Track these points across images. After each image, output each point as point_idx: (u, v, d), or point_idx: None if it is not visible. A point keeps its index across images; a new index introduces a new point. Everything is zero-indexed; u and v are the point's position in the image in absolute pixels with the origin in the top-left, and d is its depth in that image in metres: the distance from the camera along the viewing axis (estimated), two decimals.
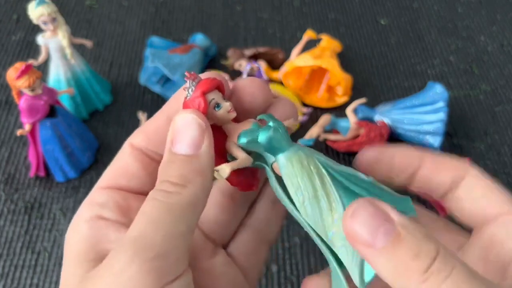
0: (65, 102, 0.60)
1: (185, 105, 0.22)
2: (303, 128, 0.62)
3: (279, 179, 0.22)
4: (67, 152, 0.55)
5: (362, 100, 0.61)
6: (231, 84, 0.24)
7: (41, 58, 0.58)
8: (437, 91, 0.59)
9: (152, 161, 0.23)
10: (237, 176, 0.22)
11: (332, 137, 0.60)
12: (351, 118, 0.59)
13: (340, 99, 0.65)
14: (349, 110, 0.60)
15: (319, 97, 0.66)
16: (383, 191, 0.22)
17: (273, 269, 0.50)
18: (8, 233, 0.52)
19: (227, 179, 0.22)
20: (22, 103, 0.51)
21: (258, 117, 0.22)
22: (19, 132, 0.52)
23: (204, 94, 0.22)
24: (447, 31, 0.77)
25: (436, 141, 0.57)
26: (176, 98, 0.23)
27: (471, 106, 0.66)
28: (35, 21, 0.54)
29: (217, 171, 0.21)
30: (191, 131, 0.20)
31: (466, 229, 0.25)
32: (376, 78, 0.70)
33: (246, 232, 0.26)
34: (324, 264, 0.50)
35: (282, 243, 0.52)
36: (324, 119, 0.60)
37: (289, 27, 0.77)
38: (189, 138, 0.20)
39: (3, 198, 0.55)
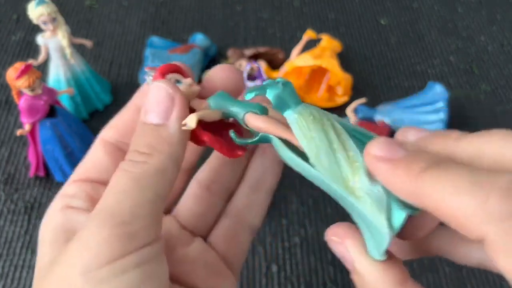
0: (65, 102, 0.60)
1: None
2: None
3: (284, 142, 0.22)
4: (67, 152, 0.55)
5: (362, 100, 0.61)
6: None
7: (41, 58, 0.57)
8: (437, 91, 0.59)
9: (122, 154, 0.23)
10: (216, 140, 0.22)
11: None
12: (351, 118, 0.59)
13: (340, 99, 0.65)
14: (349, 110, 0.60)
15: (319, 97, 0.66)
16: None
17: (273, 269, 0.50)
18: (8, 233, 0.52)
19: (209, 143, 0.21)
20: (22, 103, 0.50)
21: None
22: (19, 132, 0.52)
23: (163, 74, 0.22)
24: (447, 31, 0.77)
25: None
26: (143, 91, 0.23)
27: (471, 106, 0.66)
28: (35, 21, 0.54)
29: (185, 124, 0.21)
30: (161, 100, 0.20)
31: None
32: (376, 78, 0.70)
33: (225, 219, 0.26)
34: (324, 263, 0.50)
35: (282, 243, 0.52)
36: None
37: (289, 27, 0.77)
38: (159, 107, 0.20)
39: (3, 198, 0.55)
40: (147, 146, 0.20)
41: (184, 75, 0.23)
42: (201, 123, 0.21)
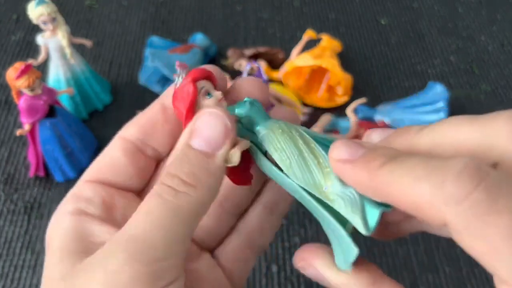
0: (65, 102, 0.60)
1: (175, 93, 0.22)
2: None
3: (267, 155, 0.22)
4: (66, 152, 0.55)
5: (362, 100, 0.61)
6: (229, 84, 0.24)
7: (41, 58, 0.57)
8: (437, 91, 0.59)
9: (142, 156, 0.22)
10: (232, 170, 0.22)
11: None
12: (351, 118, 0.59)
13: (340, 99, 0.65)
14: (349, 110, 0.60)
15: (319, 97, 0.65)
16: None
17: (273, 269, 0.50)
18: (8, 233, 0.52)
19: (226, 173, 0.21)
20: (21, 103, 0.50)
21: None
22: (18, 132, 0.52)
23: (194, 81, 0.21)
24: (447, 31, 0.77)
25: None
26: (171, 89, 0.22)
27: (472, 106, 0.66)
28: (34, 21, 0.54)
29: (227, 160, 0.20)
30: (215, 128, 0.19)
31: None
32: (376, 78, 0.70)
33: (236, 238, 0.25)
34: None
35: (282, 243, 0.52)
36: (324, 119, 0.60)
37: (289, 27, 0.77)
38: (211, 135, 0.19)
39: (3, 198, 0.55)
40: (192, 175, 0.18)
41: (215, 82, 0.22)
42: None
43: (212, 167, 0.19)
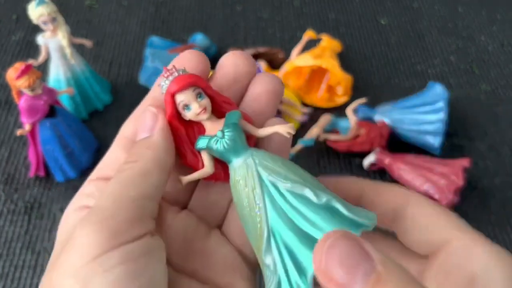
0: (65, 102, 0.60)
1: (164, 99, 0.23)
2: (303, 128, 0.62)
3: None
4: (67, 152, 0.55)
5: (362, 100, 0.61)
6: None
7: (41, 58, 0.57)
8: (437, 91, 0.59)
9: None
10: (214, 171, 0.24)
11: (332, 137, 0.60)
12: (351, 118, 0.59)
13: (340, 99, 0.65)
14: (349, 110, 0.60)
15: (319, 97, 0.65)
16: (338, 213, 0.20)
17: None
18: (8, 233, 0.52)
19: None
20: (22, 103, 0.50)
21: (227, 114, 0.23)
22: (19, 132, 0.52)
23: (173, 96, 0.23)
24: (447, 31, 0.77)
25: (436, 141, 0.57)
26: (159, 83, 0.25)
27: (472, 106, 0.66)
28: (35, 21, 0.54)
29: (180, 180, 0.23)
30: (147, 120, 0.23)
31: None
32: (376, 78, 0.70)
33: (235, 210, 0.25)
34: None
35: None
36: (324, 119, 0.60)
37: (289, 27, 0.77)
38: (146, 125, 0.23)
39: (3, 198, 0.55)
40: (133, 154, 0.22)
41: (203, 85, 0.23)
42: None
43: (149, 142, 0.22)
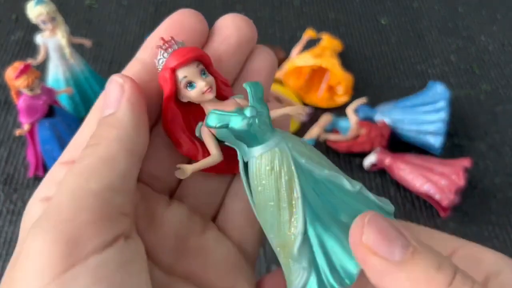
0: (64, 102, 0.60)
1: (159, 74, 0.20)
2: (303, 128, 0.61)
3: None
4: None
5: (363, 100, 0.61)
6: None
7: (40, 57, 0.57)
8: (437, 91, 0.59)
9: None
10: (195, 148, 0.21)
11: (332, 137, 0.59)
12: (351, 118, 0.59)
13: (341, 99, 0.65)
14: (349, 110, 0.60)
15: (319, 97, 0.65)
16: (369, 199, 0.20)
17: (273, 269, 0.50)
18: (8, 234, 0.52)
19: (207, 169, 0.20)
20: (21, 103, 0.50)
21: (244, 85, 0.20)
22: (18, 132, 0.52)
23: (173, 71, 0.19)
24: (447, 31, 0.77)
25: (437, 141, 0.57)
26: (150, 42, 0.21)
27: (472, 106, 0.66)
28: (34, 21, 0.54)
29: (179, 168, 0.19)
30: (113, 91, 0.19)
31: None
32: (376, 77, 0.69)
33: (234, 201, 0.23)
34: None
35: None
36: (325, 119, 0.60)
37: (289, 27, 0.77)
38: (112, 98, 0.19)
39: (2, 198, 0.55)
40: (95, 136, 0.18)
41: (207, 61, 0.20)
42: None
43: (113, 120, 0.18)
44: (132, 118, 0.18)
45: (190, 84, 0.19)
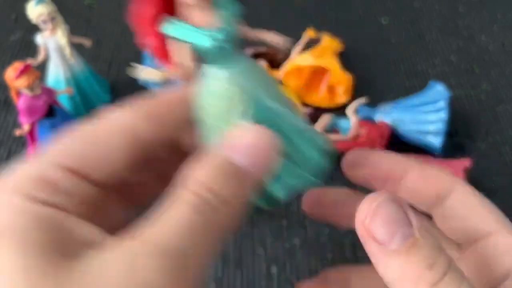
0: (64, 102, 0.60)
1: None
2: None
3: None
4: None
5: (363, 100, 0.61)
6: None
7: (40, 57, 0.57)
8: (438, 91, 0.59)
9: None
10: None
11: (332, 137, 0.59)
12: (352, 118, 0.59)
13: (341, 99, 0.65)
14: (350, 110, 0.59)
15: (319, 97, 0.65)
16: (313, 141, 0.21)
17: (273, 270, 0.50)
18: None
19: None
20: (21, 103, 0.50)
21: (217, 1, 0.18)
22: (18, 132, 0.52)
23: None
24: (448, 31, 0.77)
25: (437, 140, 0.57)
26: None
27: (472, 106, 0.66)
28: (34, 21, 0.54)
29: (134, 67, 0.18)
30: (258, 148, 0.18)
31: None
32: (377, 77, 0.69)
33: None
34: (324, 263, 0.50)
35: (282, 243, 0.52)
36: (325, 119, 0.60)
37: (289, 27, 0.76)
38: (251, 151, 0.18)
39: None
40: (233, 193, 0.17)
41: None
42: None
43: (250, 183, 0.18)
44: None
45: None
